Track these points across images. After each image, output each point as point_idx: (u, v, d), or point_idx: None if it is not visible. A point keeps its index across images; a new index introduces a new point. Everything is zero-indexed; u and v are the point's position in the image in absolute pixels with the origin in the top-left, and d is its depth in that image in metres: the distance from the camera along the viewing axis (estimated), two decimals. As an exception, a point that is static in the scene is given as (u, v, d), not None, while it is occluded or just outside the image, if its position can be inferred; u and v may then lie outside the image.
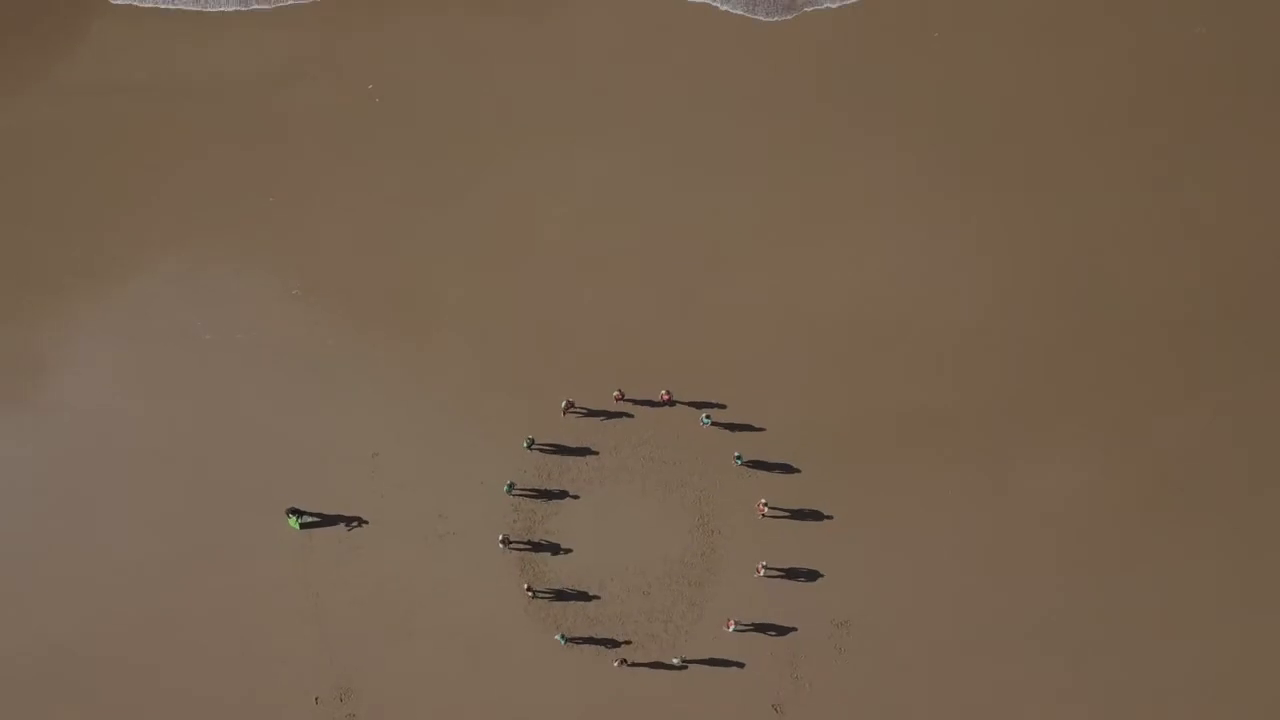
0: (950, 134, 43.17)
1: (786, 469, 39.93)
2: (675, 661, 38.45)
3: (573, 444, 40.25)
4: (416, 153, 43.63)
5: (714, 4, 44.33)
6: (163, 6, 44.91)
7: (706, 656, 38.56)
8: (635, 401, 40.64)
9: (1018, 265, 41.57)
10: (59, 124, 44.20)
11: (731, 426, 40.16)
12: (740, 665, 38.47)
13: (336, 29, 44.57)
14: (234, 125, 44.01)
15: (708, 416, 39.94)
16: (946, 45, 43.77)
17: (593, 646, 38.81)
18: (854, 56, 43.92)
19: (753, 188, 43.16)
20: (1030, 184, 42.32)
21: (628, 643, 38.74)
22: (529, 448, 39.93)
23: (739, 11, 44.14)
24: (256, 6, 44.57)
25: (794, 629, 38.61)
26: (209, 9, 44.67)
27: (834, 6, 44.38)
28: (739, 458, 39.70)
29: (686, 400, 40.51)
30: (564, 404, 39.79)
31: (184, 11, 44.90)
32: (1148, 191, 42.07)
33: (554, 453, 40.08)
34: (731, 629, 38.48)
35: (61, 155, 43.89)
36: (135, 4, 44.63)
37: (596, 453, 40.21)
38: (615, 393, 40.29)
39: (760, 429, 40.08)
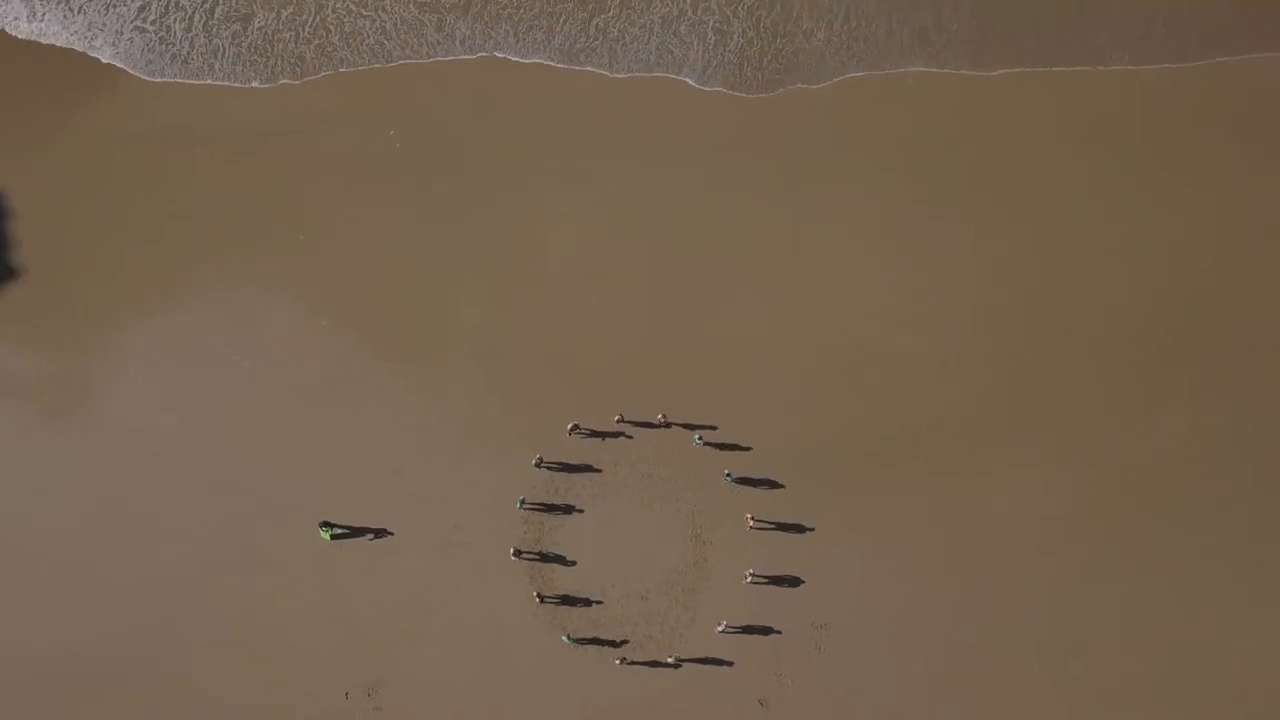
0: (923, 181, 45.49)
1: (772, 485, 42.19)
2: (670, 660, 40.74)
3: (577, 462, 42.53)
4: (432, 193, 45.94)
5: (697, 86, 46.71)
6: (195, 83, 47.33)
7: (699, 656, 40.86)
8: (634, 423, 42.81)
9: (985, 296, 43.93)
10: (106, 167, 46.59)
11: (721, 446, 42.47)
12: (729, 663, 40.83)
13: (361, 88, 47.25)
14: (266, 169, 46.34)
15: (700, 437, 42.30)
16: (917, 107, 46.25)
17: (595, 646, 41.23)
18: (835, 118, 46.42)
19: (742, 229, 45.21)
20: (995, 222, 44.74)
21: (627, 643, 41.17)
22: (538, 466, 42.35)
23: (723, 90, 46.54)
24: (285, 82, 47.06)
25: (778, 631, 40.97)
26: (239, 84, 47.21)
27: (813, 87, 46.58)
28: (728, 475, 42.03)
29: (681, 422, 42.75)
30: (570, 426, 42.22)
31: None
32: (1104, 224, 44.48)
33: (560, 470, 42.43)
34: (721, 630, 40.83)
35: (111, 196, 46.32)
36: (170, 81, 47.38)
37: (599, 470, 42.52)
38: (616, 416, 42.57)
39: (747, 449, 42.41)
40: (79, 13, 48.63)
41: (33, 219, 45.76)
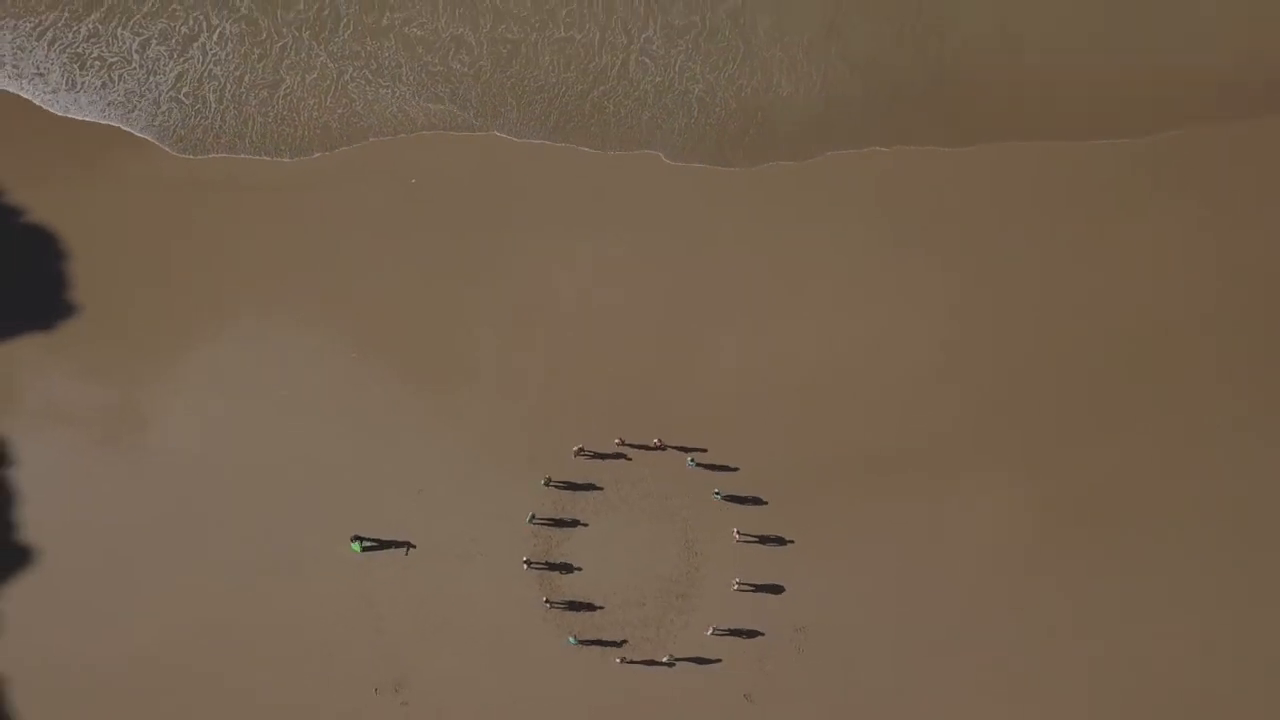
0: (893, 234, 47.95)
1: (757, 502, 44.82)
2: (665, 659, 43.44)
3: (582, 481, 45.06)
4: (452, 237, 48.15)
5: (681, 164, 48.94)
6: (223, 156, 49.42)
7: (691, 655, 43.60)
8: (633, 446, 45.30)
9: (950, 335, 46.58)
10: (155, 214, 48.50)
11: (712, 467, 45.11)
12: (718, 662, 43.54)
13: (385, 145, 49.62)
14: (302, 215, 48.45)
15: (692, 459, 44.94)
16: (890, 173, 48.70)
17: (598, 647, 43.93)
18: (815, 183, 48.73)
19: (731, 275, 47.60)
20: (960, 272, 47.30)
21: (626, 643, 43.86)
22: (546, 485, 44.89)
23: (705, 165, 48.95)
24: (315, 155, 49.35)
25: (762, 633, 43.74)
26: (268, 157, 49.39)
27: (793, 164, 48.87)
28: (717, 493, 44.71)
29: (675, 445, 45.32)
30: (575, 449, 44.88)
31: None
32: (1063, 265, 47.15)
33: (566, 489, 44.99)
34: (711, 633, 43.57)
35: (160, 240, 48.13)
36: (193, 157, 49.34)
37: (601, 489, 45.07)
38: (617, 439, 45.11)
39: (735, 469, 45.07)
40: (119, 80, 50.38)
41: (87, 261, 47.72)
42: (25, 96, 50.35)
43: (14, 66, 50.92)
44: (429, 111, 50.16)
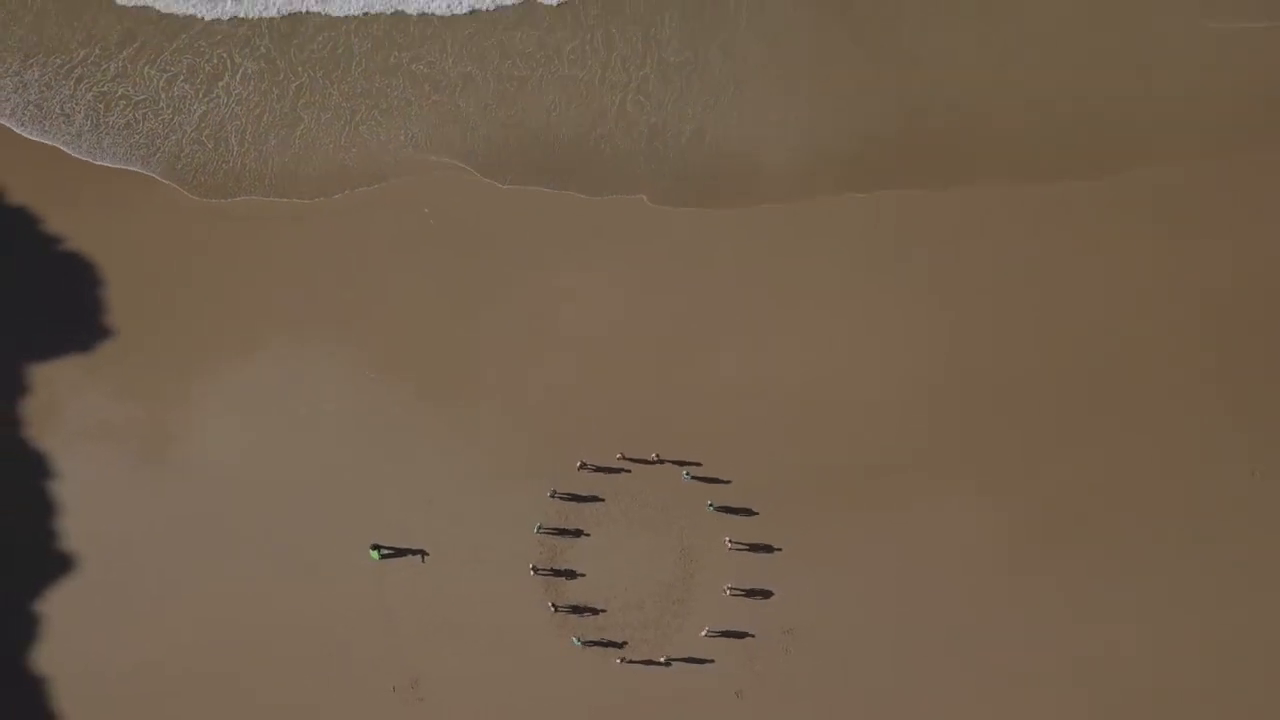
0: (876, 266, 49.82)
1: (747, 513, 46.62)
2: (662, 659, 45.52)
3: (585, 493, 46.94)
4: (463, 264, 50.02)
5: (664, 207, 50.78)
6: (253, 198, 51.56)
7: (686, 655, 45.58)
8: (633, 460, 46.96)
9: (926, 359, 48.27)
10: (184, 242, 50.59)
11: (706, 480, 46.86)
12: (711, 662, 45.56)
13: (404, 186, 51.82)
14: (321, 244, 50.60)
15: (688, 472, 46.90)
16: (872, 212, 50.61)
17: (600, 648, 45.86)
18: (800, 220, 50.45)
19: (724, 302, 49.35)
20: (937, 302, 49.16)
21: (626, 644, 45.93)
22: (551, 496, 46.86)
23: (689, 208, 50.80)
24: (335, 196, 51.46)
25: (752, 635, 45.70)
26: (289, 199, 51.63)
27: (779, 206, 50.64)
28: (710, 504, 46.64)
29: (672, 459, 47.05)
30: (578, 463, 46.88)
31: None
32: (1033, 295, 49.08)
33: (570, 500, 46.96)
34: (705, 635, 45.56)
35: (190, 267, 50.22)
36: (216, 201, 51.54)
37: (603, 500, 47.02)
38: (617, 454, 46.89)
39: (727, 482, 46.87)
40: (143, 120, 52.49)
41: (121, 286, 50.10)
42: (49, 143, 52.51)
43: (38, 107, 53.19)
44: (439, 157, 52.19)
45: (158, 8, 54.40)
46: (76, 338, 49.87)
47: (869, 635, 46.02)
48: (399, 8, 54.30)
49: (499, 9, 54.11)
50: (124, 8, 54.39)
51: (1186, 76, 52.01)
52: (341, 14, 54.13)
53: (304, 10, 54.31)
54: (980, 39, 52.95)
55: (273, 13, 54.18)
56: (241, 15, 54.29)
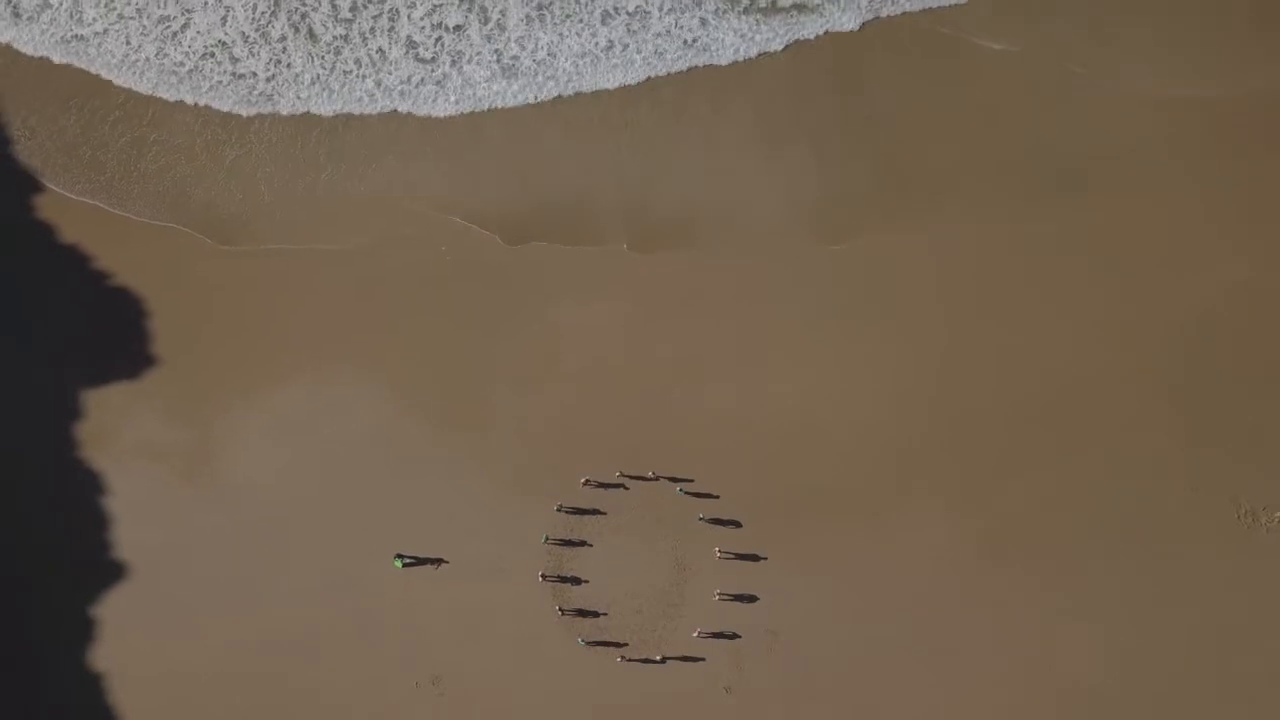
0: (849, 305, 52.93)
1: (735, 525, 49.19)
2: (658, 658, 48.02)
3: (588, 507, 49.48)
4: (476, 301, 52.70)
5: (644, 255, 53.20)
6: (287, 247, 54.07)
7: (679, 655, 48.29)
8: (631, 477, 49.58)
9: (896, 389, 51.27)
10: (223, 276, 53.17)
11: (697, 495, 49.46)
12: (702, 660, 48.21)
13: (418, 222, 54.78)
14: (351, 284, 53.19)
15: (681, 488, 49.38)
16: (843, 258, 53.39)
17: (602, 647, 48.47)
18: (777, 265, 53.21)
19: (716, 337, 51.93)
20: (904, 330, 52.27)
21: (626, 644, 48.58)
22: (558, 510, 49.33)
23: (671, 252, 53.38)
24: (361, 241, 54.09)
25: (739, 635, 48.37)
26: (315, 246, 54.20)
27: (757, 252, 53.16)
28: (702, 517, 49.10)
29: (666, 476, 49.64)
30: (582, 480, 49.47)
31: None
32: (983, 329, 52.12)
33: (575, 514, 49.47)
34: (696, 635, 48.17)
35: (227, 300, 52.92)
36: (254, 248, 53.93)
37: (605, 513, 49.45)
38: (617, 472, 49.45)
39: (716, 497, 49.50)
40: (175, 168, 54.71)
41: (166, 318, 52.75)
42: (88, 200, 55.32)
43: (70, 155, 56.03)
44: (452, 217, 54.81)
45: (188, 101, 56.67)
46: (125, 366, 52.82)
47: (846, 636, 48.77)
48: (429, 112, 56.60)
49: (493, 109, 56.73)
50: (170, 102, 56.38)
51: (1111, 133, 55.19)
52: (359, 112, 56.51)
53: (314, 112, 56.53)
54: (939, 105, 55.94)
55: (296, 111, 56.26)
56: (268, 113, 56.38)
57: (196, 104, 56.86)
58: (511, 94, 56.99)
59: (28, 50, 57.49)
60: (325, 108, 56.78)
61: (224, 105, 56.95)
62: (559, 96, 56.71)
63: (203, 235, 54.73)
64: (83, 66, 57.47)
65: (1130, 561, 49.77)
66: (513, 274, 53.91)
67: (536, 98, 56.75)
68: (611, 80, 56.77)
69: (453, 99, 56.91)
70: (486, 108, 56.93)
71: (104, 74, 57.28)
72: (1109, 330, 52.47)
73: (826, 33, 56.98)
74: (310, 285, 53.97)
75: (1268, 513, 50.20)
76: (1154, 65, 55.87)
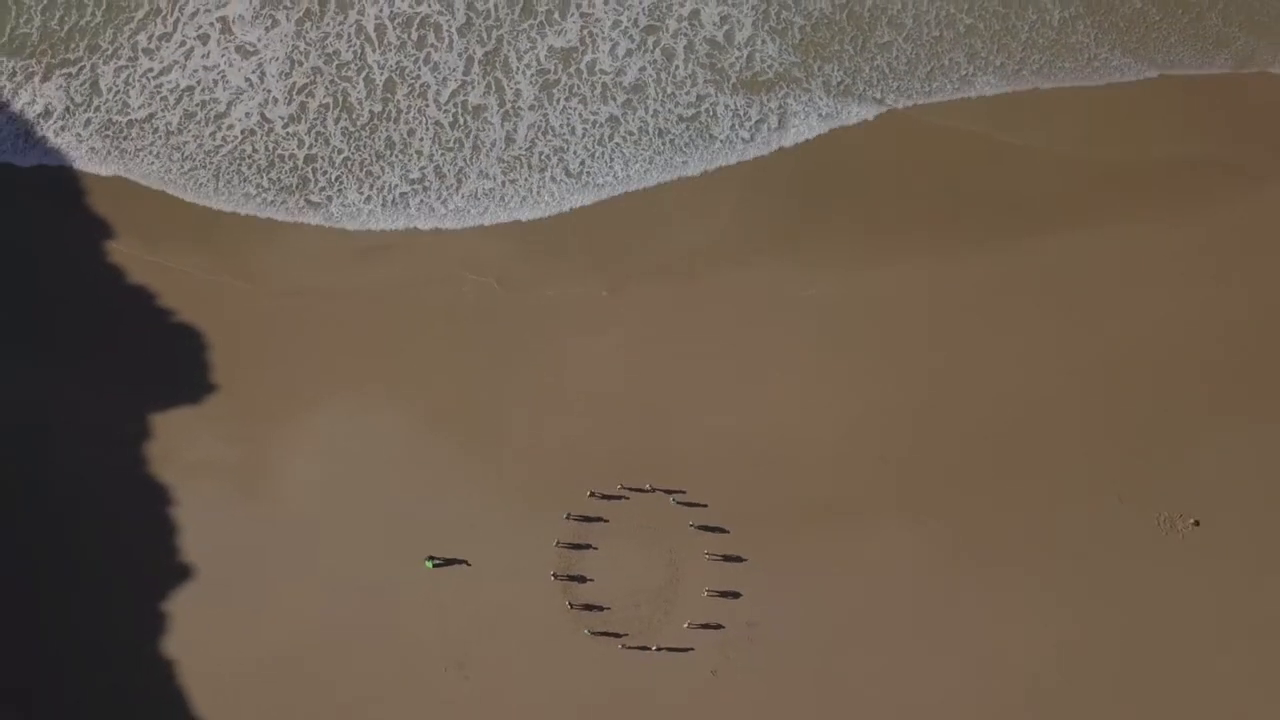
0: (826, 332, 56.94)
1: (721, 530, 52.74)
2: (654, 647, 51.39)
3: (593, 515, 53.00)
4: (495, 331, 56.90)
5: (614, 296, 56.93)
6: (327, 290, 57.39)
7: (672, 644, 51.84)
8: (631, 489, 53.15)
9: (871, 408, 55.00)
10: (273, 315, 57.40)
11: (688, 504, 52.95)
12: (692, 649, 51.96)
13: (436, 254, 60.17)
14: (383, 319, 57.35)
15: (675, 499, 52.63)
16: (821, 289, 57.78)
17: (605, 637, 51.78)
18: (764, 295, 57.63)
19: (708, 362, 55.77)
20: (880, 357, 56.31)
21: (626, 635, 52.05)
22: (566, 519, 52.78)
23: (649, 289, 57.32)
24: (387, 286, 57.36)
25: (724, 627, 51.86)
26: (357, 291, 58.12)
27: (742, 287, 56.83)
28: (692, 524, 52.39)
29: (662, 488, 53.25)
30: (588, 492, 52.84)
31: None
32: (946, 360, 56.73)
33: (582, 521, 52.90)
34: (687, 627, 51.51)
35: (276, 336, 56.88)
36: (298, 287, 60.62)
37: (607, 521, 53.10)
38: (619, 485, 52.90)
39: (706, 506, 53.15)
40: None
41: (223, 351, 57.06)
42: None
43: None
44: (473, 275, 59.87)
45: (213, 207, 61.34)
46: (188, 393, 56.93)
47: (817, 627, 52.38)
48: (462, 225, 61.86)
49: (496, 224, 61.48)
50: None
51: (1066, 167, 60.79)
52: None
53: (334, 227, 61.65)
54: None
55: (319, 222, 61.10)
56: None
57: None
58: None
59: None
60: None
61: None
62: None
63: (247, 283, 59.82)
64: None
65: (1066, 564, 54.55)
66: (521, 315, 58.26)
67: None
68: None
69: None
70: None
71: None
72: (1056, 365, 56.59)
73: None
74: (348, 323, 57.77)
75: (1184, 520, 55.66)
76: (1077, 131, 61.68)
